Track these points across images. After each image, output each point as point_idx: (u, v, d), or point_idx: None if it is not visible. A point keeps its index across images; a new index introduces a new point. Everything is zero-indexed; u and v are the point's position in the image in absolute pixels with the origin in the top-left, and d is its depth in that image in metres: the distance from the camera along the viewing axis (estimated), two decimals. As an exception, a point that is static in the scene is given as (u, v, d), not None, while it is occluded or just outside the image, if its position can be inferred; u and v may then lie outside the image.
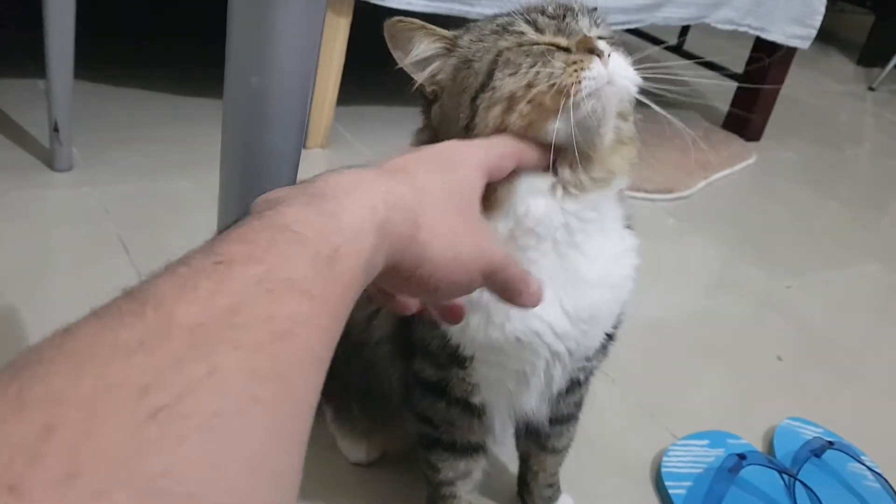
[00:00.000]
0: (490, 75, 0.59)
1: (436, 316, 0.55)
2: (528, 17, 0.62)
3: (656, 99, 0.61)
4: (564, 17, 0.61)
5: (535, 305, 0.52)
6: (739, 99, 2.23)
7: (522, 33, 0.61)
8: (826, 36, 3.01)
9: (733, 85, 2.25)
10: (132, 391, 0.23)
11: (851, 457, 1.02)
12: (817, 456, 1.02)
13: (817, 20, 2.08)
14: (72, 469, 0.20)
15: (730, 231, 1.73)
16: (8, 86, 1.66)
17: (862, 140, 2.60)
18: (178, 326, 0.25)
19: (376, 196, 0.37)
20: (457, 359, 0.69)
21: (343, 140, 1.73)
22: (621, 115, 0.62)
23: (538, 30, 0.61)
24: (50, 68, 1.32)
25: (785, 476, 0.97)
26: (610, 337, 0.74)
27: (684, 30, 2.54)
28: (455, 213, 0.44)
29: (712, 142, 2.05)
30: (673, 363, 1.24)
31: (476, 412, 0.75)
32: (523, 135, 0.58)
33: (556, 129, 0.56)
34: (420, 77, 0.64)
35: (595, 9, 0.65)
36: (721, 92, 2.30)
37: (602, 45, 0.58)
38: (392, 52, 0.62)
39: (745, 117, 2.18)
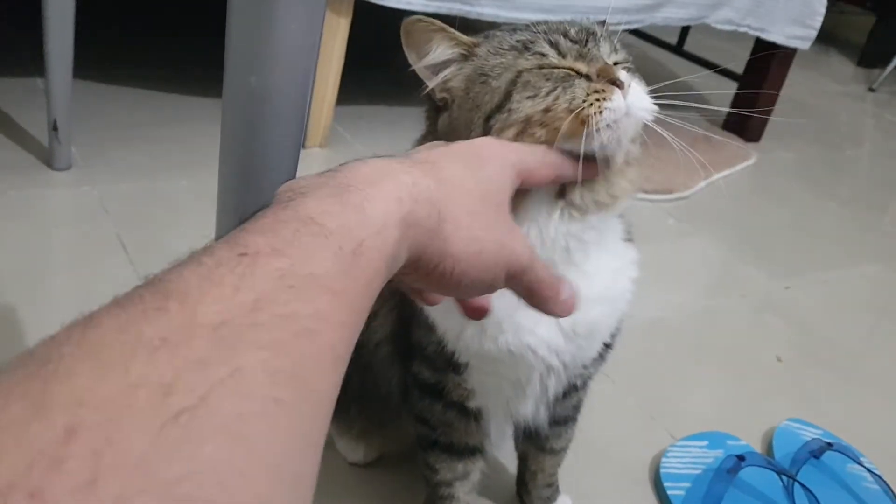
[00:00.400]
0: (507, 96, 0.58)
1: (460, 310, 0.53)
2: (550, 39, 0.61)
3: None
4: (587, 41, 0.61)
5: (566, 314, 0.50)
6: (739, 99, 2.23)
7: (544, 55, 0.59)
8: (826, 37, 3.01)
9: (733, 85, 2.25)
10: (155, 392, 0.23)
11: (851, 458, 1.02)
12: (816, 457, 1.02)
13: (818, 21, 2.08)
14: (93, 474, 0.20)
15: (730, 231, 1.73)
16: (7, 84, 1.66)
17: (862, 141, 2.60)
18: (201, 325, 0.25)
19: (402, 188, 0.37)
20: (452, 365, 0.70)
21: (342, 140, 1.73)
22: (631, 140, 0.61)
23: (560, 53, 0.60)
24: (49, 67, 1.32)
25: (784, 477, 0.97)
26: (608, 346, 0.74)
27: (684, 30, 2.54)
28: (480, 209, 0.42)
29: (712, 142, 2.04)
30: (672, 364, 1.24)
31: (473, 416, 0.75)
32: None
33: (567, 154, 0.55)
34: (431, 82, 0.62)
35: (615, 33, 0.65)
36: (721, 92, 2.30)
37: (623, 75, 0.57)
38: (406, 51, 0.60)
39: (745, 118, 2.18)
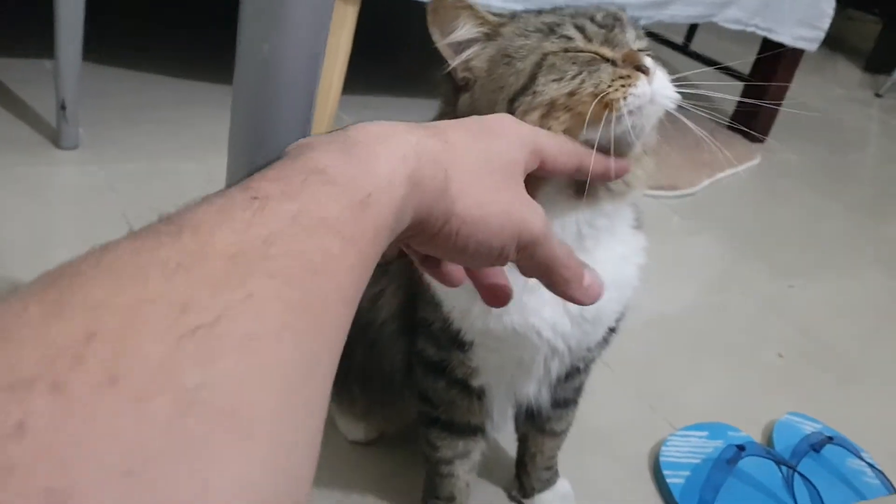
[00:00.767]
0: (533, 78, 0.58)
1: (483, 295, 0.51)
2: (576, 22, 0.60)
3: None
4: (613, 27, 0.60)
5: (591, 301, 0.48)
6: (745, 100, 2.23)
7: (570, 38, 0.59)
8: (833, 42, 3.01)
9: (739, 86, 2.25)
10: (172, 307, 0.23)
11: (851, 452, 1.02)
12: (816, 451, 1.02)
13: (825, 22, 2.08)
14: (113, 373, 0.20)
15: (733, 230, 1.73)
16: (17, 65, 1.66)
17: (867, 145, 2.60)
18: (214, 252, 0.25)
19: (407, 146, 0.37)
20: (457, 342, 0.70)
21: (348, 129, 1.73)
22: (651, 128, 0.61)
23: (586, 37, 0.59)
24: (59, 48, 1.33)
25: (784, 468, 0.97)
26: (612, 330, 0.74)
27: (691, 30, 2.54)
28: (487, 175, 0.42)
29: (717, 141, 2.05)
30: (674, 357, 1.24)
31: (475, 394, 0.75)
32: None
33: (590, 139, 0.55)
34: (454, 60, 0.61)
35: (639, 20, 0.65)
36: (727, 93, 2.30)
37: (648, 61, 0.57)
38: (430, 28, 0.60)
39: (751, 118, 2.18)
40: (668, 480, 0.95)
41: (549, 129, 0.57)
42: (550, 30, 0.60)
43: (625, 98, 0.55)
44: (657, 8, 1.82)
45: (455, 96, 0.64)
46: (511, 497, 0.91)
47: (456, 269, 0.50)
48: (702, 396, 1.15)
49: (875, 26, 3.51)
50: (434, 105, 0.67)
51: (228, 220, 0.27)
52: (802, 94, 2.59)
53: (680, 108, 0.60)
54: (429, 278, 0.68)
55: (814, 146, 2.33)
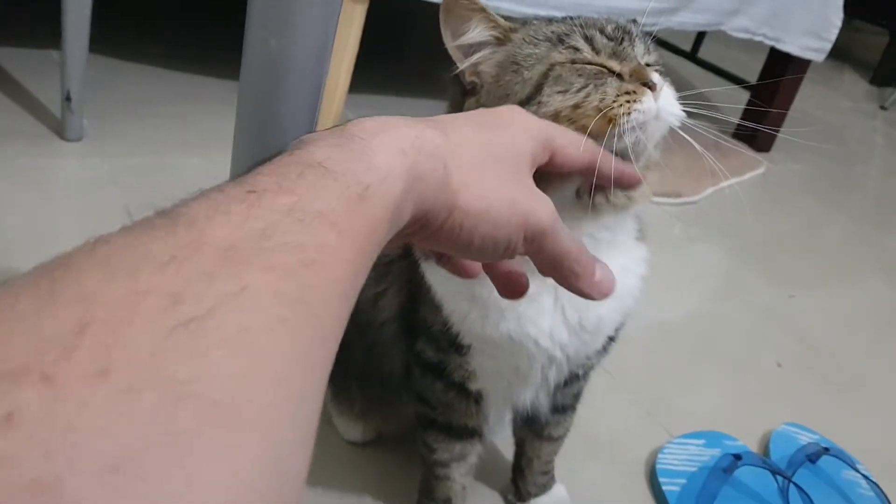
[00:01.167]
0: (538, 89, 0.58)
1: (498, 289, 0.51)
2: (586, 33, 0.60)
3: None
4: (622, 40, 0.60)
5: (601, 296, 0.47)
6: (751, 109, 2.23)
7: (578, 50, 0.59)
8: (840, 54, 3.01)
9: (746, 95, 2.25)
10: (163, 299, 0.23)
11: (846, 464, 1.02)
12: (812, 461, 1.02)
13: (833, 33, 2.08)
14: (104, 365, 0.20)
15: (736, 238, 1.73)
16: (23, 55, 1.66)
17: (871, 157, 2.60)
18: (209, 245, 0.25)
19: (405, 140, 0.37)
20: (455, 346, 0.70)
21: (353, 128, 1.73)
22: (655, 144, 0.61)
23: (594, 49, 0.59)
24: (65, 39, 1.33)
25: (779, 478, 0.97)
26: (612, 339, 0.74)
27: (699, 38, 2.54)
28: (490, 165, 0.41)
29: (722, 150, 2.04)
30: (673, 364, 1.24)
31: (473, 398, 0.75)
32: None
33: None
34: (463, 63, 0.61)
35: (649, 34, 0.64)
36: (733, 101, 2.30)
37: (656, 77, 0.57)
38: (442, 29, 0.60)
39: (756, 127, 2.18)
40: (664, 488, 0.95)
41: None
42: (559, 40, 0.60)
43: (629, 114, 0.55)
44: (666, 15, 1.82)
45: (462, 100, 0.64)
46: (507, 501, 0.91)
47: (471, 262, 0.50)
48: (699, 404, 1.15)
49: (882, 39, 3.50)
50: (440, 105, 0.67)
51: (223, 214, 0.27)
52: (808, 104, 2.59)
53: (684, 125, 0.60)
54: (430, 280, 0.68)
55: (819, 157, 2.33)
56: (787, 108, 2.22)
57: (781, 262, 1.68)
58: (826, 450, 1.02)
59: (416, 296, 0.73)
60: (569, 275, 0.45)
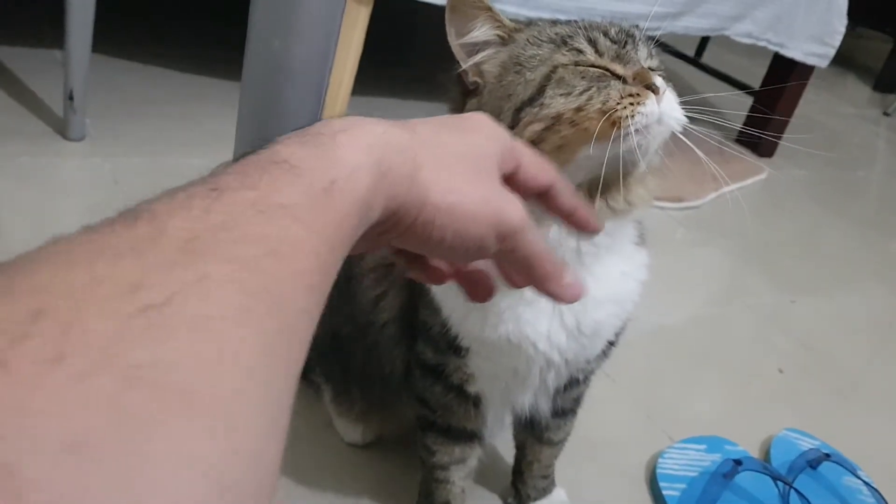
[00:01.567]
0: (541, 90, 0.58)
1: (466, 291, 0.50)
2: (589, 36, 0.60)
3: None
4: (626, 43, 0.60)
5: (572, 300, 0.47)
6: (754, 115, 2.23)
7: (581, 52, 0.59)
8: (844, 60, 3.01)
9: (749, 100, 2.25)
10: (121, 286, 0.23)
11: (847, 470, 1.02)
12: (813, 467, 1.01)
13: (837, 39, 2.08)
14: (58, 351, 0.20)
15: (738, 243, 1.72)
16: (27, 54, 1.67)
17: (874, 163, 2.60)
18: (169, 236, 0.25)
19: (372, 136, 0.36)
20: (454, 347, 0.70)
21: (356, 129, 1.73)
22: (656, 148, 0.61)
23: (598, 52, 0.59)
24: (69, 39, 1.33)
25: (780, 484, 0.96)
26: (612, 343, 0.74)
27: (703, 43, 2.54)
28: (459, 165, 0.41)
29: (725, 155, 2.04)
30: (674, 368, 1.24)
31: (471, 400, 0.75)
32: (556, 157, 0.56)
33: (592, 156, 0.55)
34: (466, 62, 0.61)
35: (653, 38, 0.64)
36: (736, 106, 2.30)
37: (659, 81, 0.57)
38: (447, 27, 0.60)
39: (759, 132, 2.18)
40: (665, 493, 0.95)
41: (549, 140, 0.57)
42: (563, 41, 0.60)
43: (632, 116, 0.55)
44: (670, 19, 1.82)
45: (463, 100, 0.63)
46: (506, 504, 0.91)
47: (442, 266, 0.49)
48: (700, 409, 1.15)
49: (885, 45, 3.51)
50: (443, 108, 0.67)
51: (185, 209, 0.27)
52: (811, 110, 2.59)
53: (687, 130, 0.60)
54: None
55: (821, 162, 2.32)
56: (790, 114, 2.22)
57: (783, 267, 1.68)
58: (827, 456, 1.02)
59: (417, 297, 0.73)
60: (541, 276, 0.45)
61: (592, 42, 0.60)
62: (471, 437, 0.78)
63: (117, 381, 0.21)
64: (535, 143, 0.57)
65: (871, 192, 2.35)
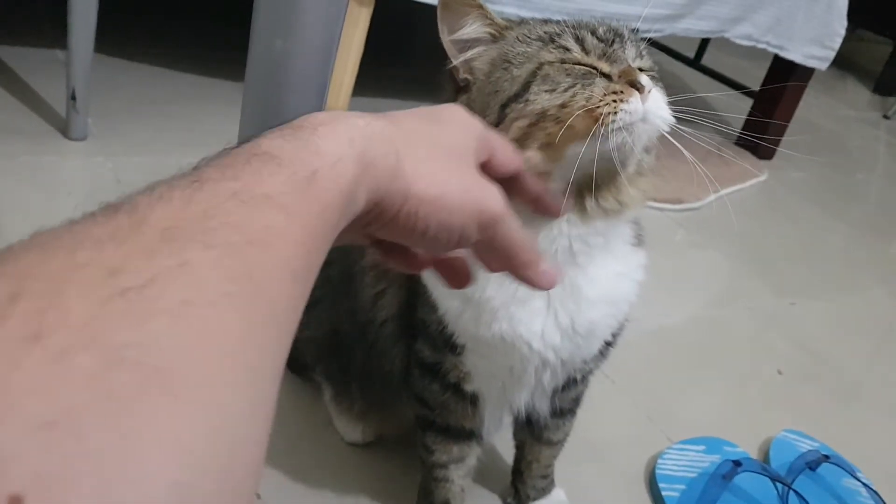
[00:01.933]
0: (526, 86, 0.58)
1: (445, 279, 0.51)
2: (577, 34, 0.61)
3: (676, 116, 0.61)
4: (613, 42, 0.60)
5: (548, 286, 0.48)
6: (754, 117, 2.23)
7: (568, 49, 0.60)
8: (844, 63, 3.01)
9: (749, 102, 2.25)
10: (100, 271, 0.23)
11: (846, 472, 1.02)
12: (812, 469, 1.02)
13: (837, 42, 2.08)
14: (37, 330, 0.21)
15: (737, 245, 1.73)
16: (29, 54, 1.67)
17: (874, 166, 2.60)
18: (149, 225, 0.25)
19: (354, 128, 0.37)
20: (450, 345, 0.70)
21: (356, 130, 1.73)
22: (645, 149, 0.61)
23: (584, 50, 0.60)
24: (71, 39, 1.33)
25: (779, 485, 0.96)
26: (609, 344, 0.74)
27: (703, 45, 2.55)
28: (440, 155, 0.42)
29: (724, 157, 2.04)
30: (673, 369, 1.24)
31: (469, 399, 0.75)
32: (542, 155, 0.57)
33: (579, 153, 0.56)
34: (457, 59, 0.62)
35: (644, 39, 0.65)
36: (736, 108, 2.30)
37: (644, 79, 0.57)
38: (439, 24, 0.61)
39: (759, 135, 2.18)
40: (664, 493, 0.95)
41: (535, 136, 0.57)
42: (550, 39, 0.61)
43: (615, 113, 0.55)
44: (670, 21, 1.82)
45: (454, 96, 0.64)
46: (506, 504, 0.91)
47: (421, 255, 0.50)
48: (700, 410, 1.15)
49: (886, 48, 3.51)
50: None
51: (166, 200, 0.27)
52: (811, 112, 2.59)
53: (677, 130, 0.60)
54: (426, 279, 0.69)
55: (821, 165, 2.33)
56: (790, 116, 2.22)
57: (783, 269, 1.68)
58: (826, 457, 1.02)
59: (415, 296, 0.73)
60: (519, 263, 0.46)
61: (580, 40, 0.60)
62: (469, 436, 0.79)
63: (97, 359, 0.21)
64: (522, 140, 0.58)
65: (870, 194, 2.35)
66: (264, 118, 0.59)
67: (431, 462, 0.80)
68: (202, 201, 0.27)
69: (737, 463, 0.97)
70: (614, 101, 0.56)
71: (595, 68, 0.59)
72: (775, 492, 0.97)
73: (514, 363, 0.69)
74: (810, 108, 2.48)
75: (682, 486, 0.97)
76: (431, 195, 0.40)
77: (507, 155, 0.48)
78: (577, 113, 0.55)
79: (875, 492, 0.99)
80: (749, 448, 1.06)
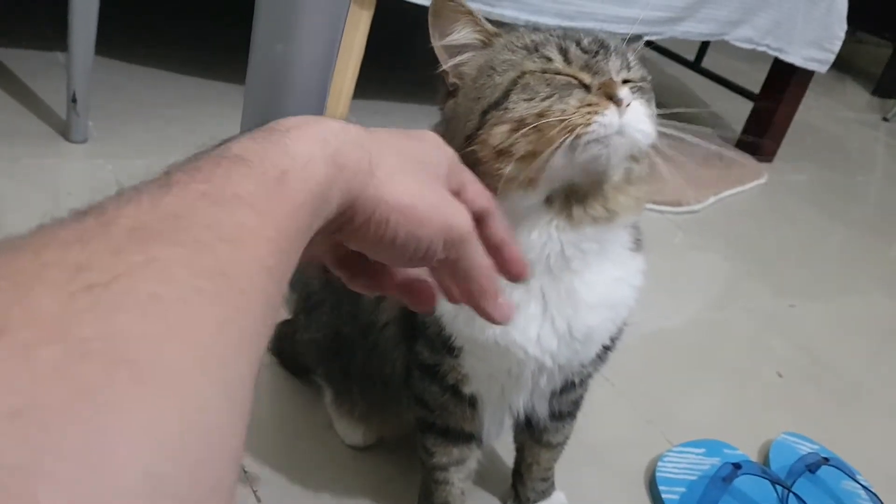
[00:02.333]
0: (506, 94, 0.59)
1: (410, 301, 0.50)
2: (561, 44, 0.61)
3: (673, 117, 0.61)
4: (597, 53, 0.61)
5: (502, 321, 0.48)
6: (754, 119, 2.24)
7: (550, 59, 0.60)
8: (843, 65, 3.02)
9: (749, 105, 2.26)
10: (66, 269, 0.23)
11: (846, 474, 1.02)
12: (812, 471, 1.02)
13: (836, 44, 2.08)
14: (1, 325, 0.21)
15: (737, 247, 1.73)
16: (30, 56, 1.67)
17: (873, 168, 2.60)
18: (117, 226, 0.25)
19: (328, 131, 0.37)
20: (448, 347, 0.70)
21: (357, 132, 1.73)
22: (633, 158, 0.61)
23: (567, 60, 0.60)
24: (72, 41, 1.33)
25: (778, 487, 0.96)
26: (608, 348, 0.74)
27: (703, 48, 2.55)
28: (414, 169, 0.41)
29: (725, 160, 2.05)
30: (673, 372, 1.24)
31: (468, 401, 0.75)
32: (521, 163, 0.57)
33: (554, 163, 0.56)
34: (447, 63, 0.63)
35: (643, 44, 0.65)
36: (736, 111, 2.31)
37: (624, 92, 0.57)
38: (430, 29, 0.61)
39: (759, 137, 2.18)
40: (664, 496, 0.95)
41: (515, 144, 0.57)
42: (535, 48, 0.61)
43: (588, 125, 0.55)
44: (670, 24, 1.82)
45: (445, 101, 0.65)
46: (505, 506, 0.91)
47: (387, 277, 0.49)
48: (700, 413, 1.15)
49: (885, 50, 3.52)
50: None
51: (135, 203, 0.27)
52: (811, 115, 2.60)
53: (665, 139, 0.60)
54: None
55: (821, 167, 2.33)
56: (790, 119, 2.23)
57: (782, 271, 1.68)
58: (826, 460, 1.02)
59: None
60: (477, 289, 0.46)
61: (563, 50, 0.61)
62: (469, 438, 0.79)
63: (62, 352, 0.21)
64: (506, 150, 0.58)
65: (870, 196, 2.35)
66: (265, 121, 0.59)
67: (431, 464, 0.80)
68: (171, 203, 0.27)
69: (736, 465, 0.97)
70: (588, 113, 0.56)
71: (577, 79, 0.59)
72: (775, 494, 0.97)
73: (510, 366, 0.69)
74: (810, 110, 2.49)
75: (682, 489, 0.97)
76: (403, 204, 0.39)
77: (478, 190, 0.47)
78: (553, 123, 0.56)
79: (875, 494, 1.00)
80: (749, 450, 1.07)
